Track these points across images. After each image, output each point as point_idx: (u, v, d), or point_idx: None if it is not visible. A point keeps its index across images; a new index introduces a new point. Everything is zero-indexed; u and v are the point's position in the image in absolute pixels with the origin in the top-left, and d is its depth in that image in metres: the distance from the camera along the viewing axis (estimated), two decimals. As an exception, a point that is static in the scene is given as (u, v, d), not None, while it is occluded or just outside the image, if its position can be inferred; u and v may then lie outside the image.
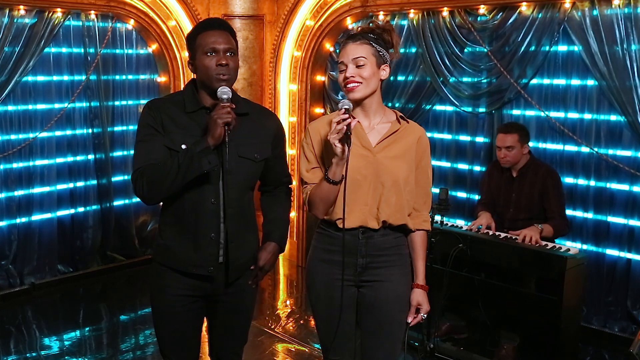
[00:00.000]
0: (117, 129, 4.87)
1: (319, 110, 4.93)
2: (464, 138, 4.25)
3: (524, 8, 3.76)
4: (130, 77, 4.88)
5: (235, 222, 2.02)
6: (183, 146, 1.94)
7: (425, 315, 2.14)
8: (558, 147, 3.83)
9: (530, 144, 3.63)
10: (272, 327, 3.87)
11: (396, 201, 2.04)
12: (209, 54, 1.95)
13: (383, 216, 2.04)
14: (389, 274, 2.08)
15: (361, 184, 2.01)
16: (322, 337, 2.17)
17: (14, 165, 4.32)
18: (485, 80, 4.03)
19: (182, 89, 2.13)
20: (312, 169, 2.09)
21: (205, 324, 2.23)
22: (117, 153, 4.89)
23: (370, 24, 2.07)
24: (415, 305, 2.11)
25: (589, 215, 3.73)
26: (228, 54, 1.96)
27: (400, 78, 4.38)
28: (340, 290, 2.04)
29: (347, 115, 1.90)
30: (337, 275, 2.06)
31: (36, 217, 4.46)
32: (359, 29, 2.05)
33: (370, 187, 2.02)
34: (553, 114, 3.80)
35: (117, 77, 4.80)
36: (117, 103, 4.84)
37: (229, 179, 1.97)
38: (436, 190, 3.21)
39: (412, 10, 4.19)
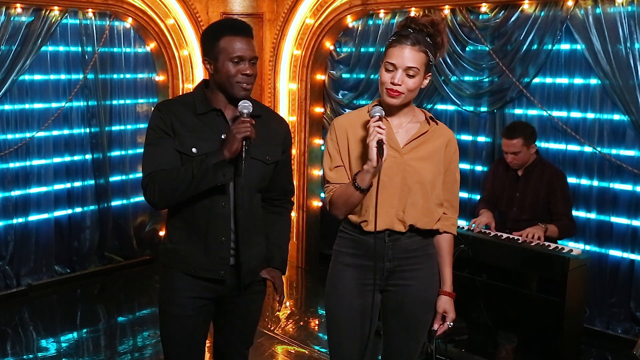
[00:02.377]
0: (115, 128, 4.83)
1: (319, 109, 4.89)
2: (466, 138, 4.22)
3: (526, 6, 3.73)
4: (128, 76, 4.84)
5: (246, 224, 2.00)
6: (194, 149, 1.93)
7: (452, 324, 2.10)
8: (561, 146, 3.80)
9: (534, 143, 3.59)
10: (272, 328, 3.84)
11: (423, 204, 1.99)
12: (235, 61, 1.91)
13: (409, 219, 1.98)
14: (416, 276, 2.04)
15: (387, 185, 1.95)
16: (336, 344, 2.09)
17: (11, 165, 4.28)
18: (487, 79, 4.00)
19: (192, 90, 2.10)
20: (335, 167, 2.02)
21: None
22: (115, 153, 4.85)
23: (426, 20, 1.94)
24: (441, 313, 2.08)
25: (592, 215, 3.70)
26: (252, 62, 1.95)
27: (401, 77, 4.34)
28: (370, 295, 2.01)
29: (384, 127, 1.87)
30: (364, 281, 2.02)
31: (33, 218, 4.42)
32: (415, 23, 1.92)
33: (397, 189, 1.96)
34: (555, 113, 3.77)
35: (115, 76, 4.76)
36: (114, 102, 4.80)
37: (241, 180, 1.94)
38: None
39: (413, 8, 4.16)
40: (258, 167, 2.00)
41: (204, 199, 1.95)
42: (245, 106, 1.91)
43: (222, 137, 1.94)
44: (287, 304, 4.42)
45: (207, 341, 2.21)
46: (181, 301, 2.02)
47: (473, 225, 3.34)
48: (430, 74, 1.98)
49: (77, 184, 4.66)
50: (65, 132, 4.54)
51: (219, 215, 1.96)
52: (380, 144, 1.85)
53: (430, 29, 1.92)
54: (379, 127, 1.86)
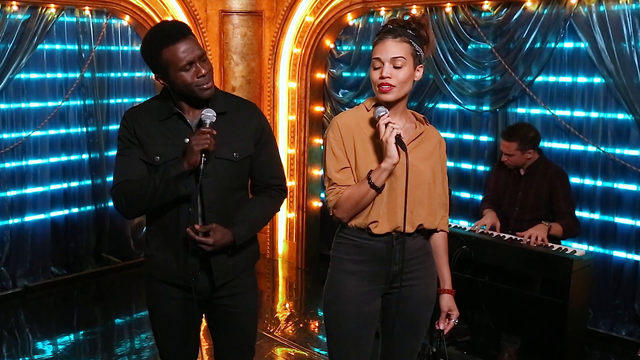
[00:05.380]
0: (112, 127, 4.77)
1: (319, 108, 4.85)
2: (468, 137, 4.18)
3: (529, 4, 3.69)
4: (125, 74, 4.79)
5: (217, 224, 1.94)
6: (157, 158, 1.90)
7: (457, 321, 2.10)
8: (564, 146, 3.76)
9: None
10: (271, 330, 3.80)
11: (429, 204, 1.99)
12: (186, 68, 1.84)
13: (418, 220, 1.97)
14: (418, 276, 2.03)
15: (395, 186, 1.92)
16: (341, 353, 2.05)
17: (7, 165, 4.23)
18: (489, 78, 3.96)
19: (160, 93, 2.03)
20: (342, 169, 1.97)
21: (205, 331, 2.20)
22: (112, 152, 4.79)
23: (406, 17, 1.98)
24: (446, 311, 2.08)
25: (596, 216, 3.66)
26: (202, 59, 1.88)
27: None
28: (375, 301, 2.00)
29: (394, 122, 1.86)
30: (368, 287, 1.99)
31: (29, 218, 4.37)
32: (396, 22, 1.95)
33: (403, 189, 1.92)
34: (559, 112, 3.73)
35: (112, 74, 4.71)
36: (112, 101, 4.75)
37: (207, 182, 1.91)
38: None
39: (414, 6, 4.11)
40: (225, 167, 1.95)
41: (172, 206, 1.93)
42: (209, 116, 1.87)
43: (186, 141, 1.89)
44: (287, 305, 4.38)
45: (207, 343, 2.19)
46: (164, 304, 2.04)
47: (477, 227, 3.30)
48: (421, 65, 1.96)
49: (74, 184, 4.61)
50: (62, 131, 4.49)
51: (187, 220, 1.92)
52: (398, 138, 1.83)
53: (412, 24, 1.93)
54: (390, 122, 1.85)
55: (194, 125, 1.95)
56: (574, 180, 3.67)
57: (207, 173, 1.89)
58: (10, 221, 4.29)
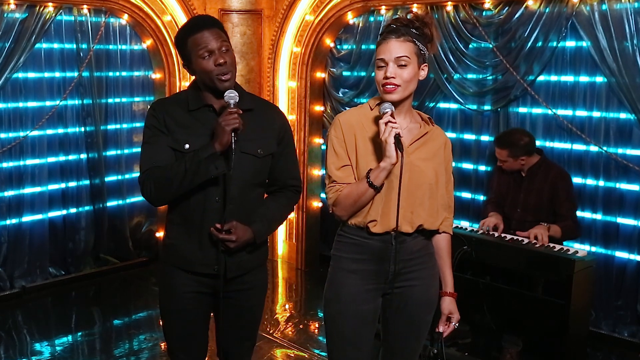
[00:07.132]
0: (111, 127, 4.76)
1: (319, 108, 4.82)
2: (469, 137, 4.16)
3: (531, 2, 3.67)
4: (124, 73, 4.77)
5: (236, 218, 1.98)
6: (186, 146, 1.96)
7: (457, 324, 2.10)
8: (566, 146, 3.74)
9: (537, 142, 3.53)
10: (271, 331, 3.78)
11: (430, 205, 1.97)
12: (205, 56, 1.93)
13: (418, 220, 1.96)
14: (419, 277, 2.02)
15: (393, 185, 1.91)
16: (339, 353, 2.04)
17: (4, 164, 4.21)
18: (490, 77, 3.94)
19: (187, 88, 2.12)
20: (342, 166, 1.97)
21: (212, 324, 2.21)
22: (111, 152, 4.78)
23: (408, 16, 1.98)
24: (446, 314, 2.07)
25: (598, 216, 3.64)
26: (223, 50, 1.95)
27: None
28: (374, 301, 1.99)
29: (395, 121, 1.85)
30: (368, 286, 1.99)
31: (27, 219, 4.34)
32: (399, 22, 1.95)
33: (404, 189, 1.91)
34: (561, 111, 3.71)
35: (111, 73, 4.68)
36: (110, 100, 4.73)
37: (231, 175, 1.94)
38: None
39: (415, 5, 4.09)
40: (249, 162, 2.00)
41: (198, 194, 1.98)
42: (232, 96, 1.93)
43: None
44: (287, 306, 4.36)
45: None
46: (179, 296, 2.06)
47: (484, 227, 3.28)
48: (426, 64, 1.96)
49: (72, 184, 4.59)
50: (60, 131, 4.46)
51: (213, 210, 1.98)
52: (397, 137, 1.83)
53: (416, 23, 1.93)
54: (391, 121, 1.84)
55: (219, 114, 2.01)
56: (576, 180, 3.65)
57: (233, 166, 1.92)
58: (8, 221, 4.26)
